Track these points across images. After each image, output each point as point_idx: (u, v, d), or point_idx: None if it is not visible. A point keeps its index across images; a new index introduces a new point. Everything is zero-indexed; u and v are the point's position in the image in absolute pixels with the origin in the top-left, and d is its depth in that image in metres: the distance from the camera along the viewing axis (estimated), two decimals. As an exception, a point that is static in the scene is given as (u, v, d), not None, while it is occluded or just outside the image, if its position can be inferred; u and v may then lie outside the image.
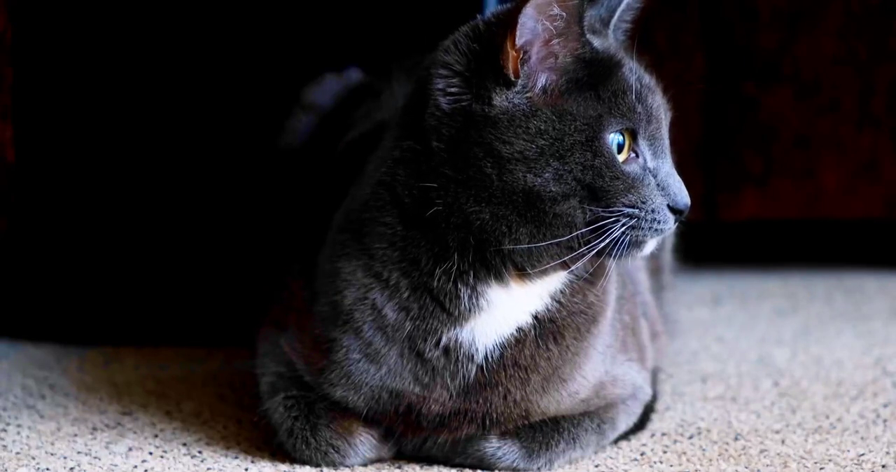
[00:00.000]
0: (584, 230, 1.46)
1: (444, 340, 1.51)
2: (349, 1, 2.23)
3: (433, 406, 1.54)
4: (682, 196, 1.49)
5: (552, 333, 1.54)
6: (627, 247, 1.47)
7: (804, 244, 2.96)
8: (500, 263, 1.49)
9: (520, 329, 1.53)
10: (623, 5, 1.55)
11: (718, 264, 2.77)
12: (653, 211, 1.47)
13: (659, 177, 1.49)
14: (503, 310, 1.52)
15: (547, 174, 1.44)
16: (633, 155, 1.48)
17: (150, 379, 2.02)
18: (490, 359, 1.52)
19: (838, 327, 2.36)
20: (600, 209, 1.45)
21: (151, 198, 2.25)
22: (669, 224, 1.49)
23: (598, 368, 1.61)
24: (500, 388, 1.53)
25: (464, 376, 1.52)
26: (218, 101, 2.23)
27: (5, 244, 2.25)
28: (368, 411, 1.56)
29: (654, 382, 1.80)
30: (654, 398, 1.78)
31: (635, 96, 1.47)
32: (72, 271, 2.27)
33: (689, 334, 2.27)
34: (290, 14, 2.22)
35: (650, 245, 1.51)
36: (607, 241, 1.45)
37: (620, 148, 1.47)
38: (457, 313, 1.51)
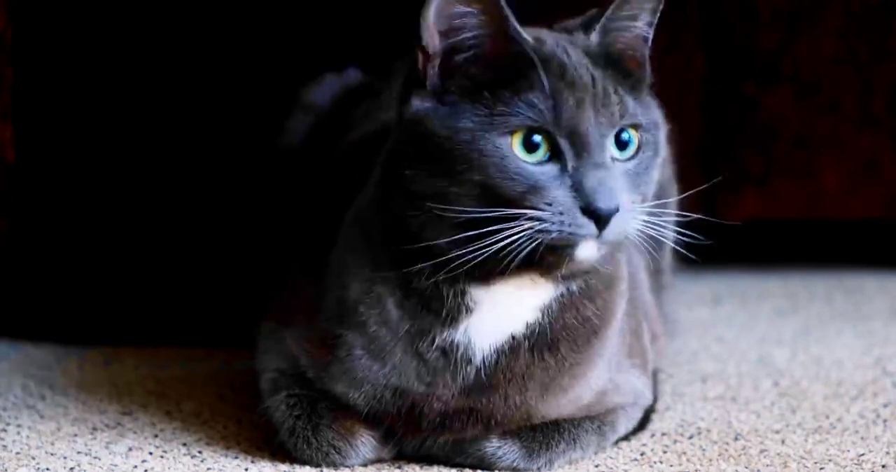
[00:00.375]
0: (495, 228, 1.41)
1: (437, 340, 1.51)
2: (349, 1, 2.23)
3: (435, 404, 1.53)
4: (597, 198, 1.41)
5: (545, 344, 1.53)
6: (550, 251, 1.43)
7: (804, 244, 2.96)
8: (456, 266, 1.45)
9: (514, 337, 1.52)
10: (613, 5, 1.50)
11: (718, 264, 2.77)
12: (561, 213, 1.41)
13: (575, 178, 1.43)
14: (493, 313, 1.51)
15: (447, 176, 1.43)
16: (553, 156, 1.43)
17: (150, 379, 2.01)
18: (487, 363, 1.52)
19: (838, 327, 2.36)
20: (504, 209, 1.41)
21: (151, 198, 2.25)
22: (586, 229, 1.42)
23: (603, 375, 1.61)
24: (501, 391, 1.53)
25: (464, 378, 1.52)
26: (218, 100, 2.23)
27: (5, 244, 2.25)
28: (370, 409, 1.56)
29: (655, 382, 1.80)
30: (655, 399, 1.78)
31: (550, 94, 1.42)
32: (71, 271, 2.27)
33: (689, 334, 2.27)
34: (290, 14, 2.22)
35: (584, 250, 1.44)
36: (515, 242, 1.41)
37: (534, 148, 1.43)
38: (444, 313, 1.50)
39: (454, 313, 1.50)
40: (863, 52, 2.66)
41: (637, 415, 1.71)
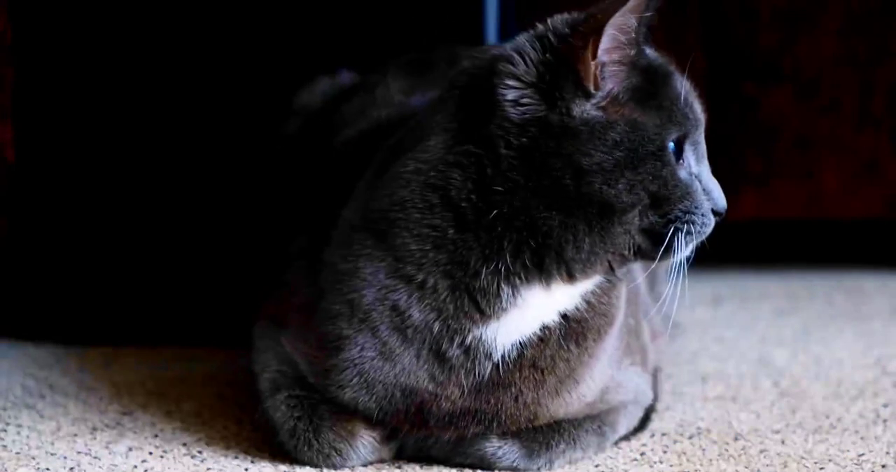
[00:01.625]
0: (638, 238, 1.48)
1: (469, 338, 1.51)
2: (345, 5, 2.23)
3: (444, 404, 1.53)
4: (723, 199, 1.52)
5: (577, 333, 1.54)
6: (676, 251, 1.50)
7: (804, 244, 2.96)
8: (556, 267, 1.49)
9: (545, 328, 1.53)
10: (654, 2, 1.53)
11: (718, 264, 2.77)
12: (703, 215, 1.50)
13: (703, 181, 1.51)
14: (535, 309, 1.52)
15: (620, 185, 1.45)
16: (681, 162, 1.49)
17: (150, 379, 2.02)
18: (507, 358, 1.52)
19: (838, 327, 2.36)
20: (657, 217, 1.48)
21: (151, 198, 2.25)
22: (710, 228, 1.51)
23: (606, 370, 1.61)
24: (513, 389, 1.53)
25: (478, 374, 1.52)
26: (216, 101, 2.23)
27: (5, 244, 2.25)
28: (378, 411, 1.55)
29: (655, 382, 1.80)
30: (655, 399, 1.78)
31: (685, 103, 1.50)
32: (72, 271, 2.27)
33: (689, 334, 2.27)
34: (288, 16, 2.22)
35: (689, 249, 1.52)
36: (671, 246, 1.48)
37: (676, 154, 1.49)
38: (490, 311, 1.50)
39: (500, 311, 1.51)
40: (863, 52, 2.66)
41: (637, 414, 1.71)
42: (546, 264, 1.49)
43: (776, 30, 2.67)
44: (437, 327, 1.51)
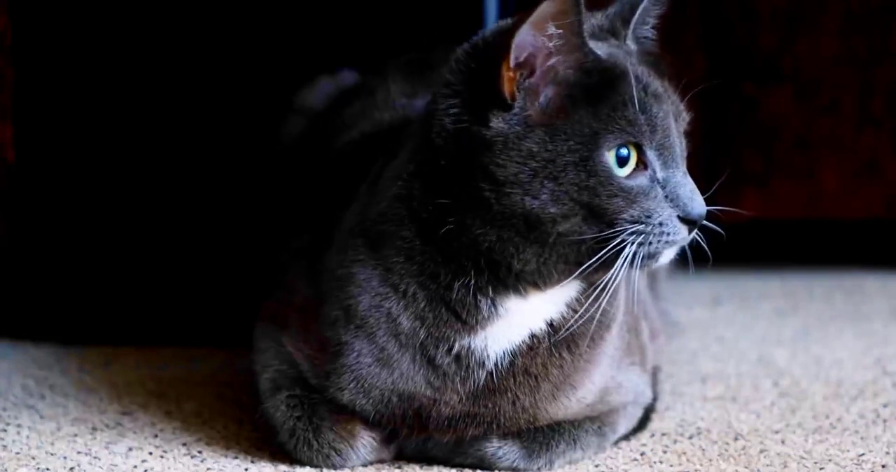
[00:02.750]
0: (588, 248, 1.43)
1: (456, 347, 1.51)
2: (345, 4, 2.23)
3: (443, 409, 1.53)
4: (693, 205, 1.45)
5: (567, 341, 1.53)
6: (641, 260, 1.44)
7: (804, 244, 2.96)
8: (514, 280, 1.47)
9: (533, 336, 1.52)
10: (645, 3, 1.52)
11: (718, 264, 2.77)
12: (660, 224, 1.43)
13: (668, 188, 1.45)
14: (519, 318, 1.51)
15: (544, 196, 1.41)
16: (640, 167, 1.44)
17: (150, 379, 2.01)
18: (500, 366, 1.52)
19: (838, 327, 2.36)
20: (604, 226, 1.42)
21: (151, 198, 2.25)
22: (682, 235, 1.45)
23: (606, 373, 1.61)
24: (510, 394, 1.53)
25: (474, 382, 1.52)
26: (217, 101, 2.23)
27: (5, 244, 2.25)
28: (376, 414, 1.55)
29: (654, 382, 1.80)
30: (655, 399, 1.78)
31: (638, 107, 1.43)
32: (72, 271, 2.27)
33: (690, 334, 2.27)
34: (287, 16, 2.22)
35: (667, 256, 1.47)
36: (616, 258, 1.42)
37: (625, 161, 1.43)
38: (473, 322, 1.50)
39: (483, 322, 1.50)
40: (863, 52, 2.66)
41: (637, 414, 1.71)
42: (503, 276, 1.47)
43: (776, 30, 2.67)
44: (423, 334, 1.51)
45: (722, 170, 2.67)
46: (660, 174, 1.45)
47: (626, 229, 1.42)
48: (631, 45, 1.52)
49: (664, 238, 1.44)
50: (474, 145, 1.44)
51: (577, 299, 1.53)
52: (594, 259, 1.43)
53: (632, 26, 1.52)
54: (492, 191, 1.42)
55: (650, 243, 1.43)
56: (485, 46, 1.45)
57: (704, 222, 1.49)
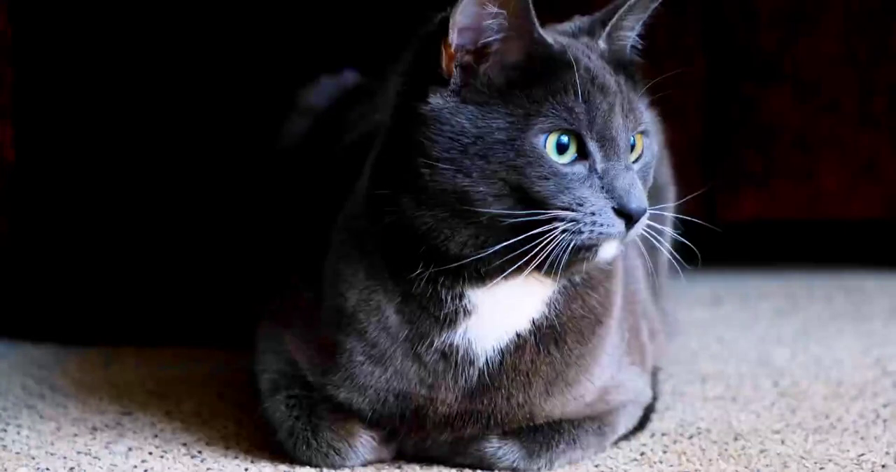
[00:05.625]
0: (524, 234, 1.42)
1: (436, 343, 1.51)
2: (346, 4, 2.23)
3: (440, 408, 1.54)
4: (629, 198, 1.44)
5: (552, 338, 1.54)
6: (575, 251, 1.43)
7: (804, 244, 2.96)
8: (462, 268, 1.47)
9: (519, 335, 1.53)
10: (624, 7, 1.53)
11: (718, 264, 2.77)
12: (592, 213, 1.43)
13: (606, 179, 1.45)
14: (494, 314, 1.51)
15: (475, 174, 1.43)
16: (581, 157, 1.44)
17: (150, 379, 2.01)
18: (491, 364, 1.52)
19: (838, 327, 2.36)
20: (536, 210, 1.42)
21: (151, 198, 2.25)
22: (617, 228, 1.44)
23: (606, 371, 1.61)
24: (503, 391, 1.53)
25: (466, 380, 1.52)
26: (218, 101, 2.23)
27: (5, 244, 2.25)
28: (373, 413, 1.56)
29: (654, 382, 1.80)
30: (655, 399, 1.78)
31: (580, 97, 1.44)
32: (72, 271, 2.27)
33: (689, 334, 2.27)
34: (288, 16, 2.22)
35: (607, 250, 1.46)
36: (546, 244, 1.42)
37: (564, 148, 1.44)
38: (442, 316, 1.50)
39: (452, 316, 1.50)
40: (863, 53, 2.66)
41: (637, 413, 1.71)
42: (451, 263, 1.47)
43: (776, 30, 2.67)
44: (406, 329, 1.52)
45: (722, 170, 2.68)
46: (599, 165, 1.45)
47: (557, 215, 1.42)
48: (601, 44, 1.53)
49: (597, 228, 1.43)
50: (412, 121, 1.47)
51: (555, 299, 1.53)
52: (529, 246, 1.42)
53: (608, 28, 1.53)
54: (426, 167, 1.44)
55: (581, 232, 1.43)
56: (434, 26, 1.48)
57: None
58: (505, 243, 1.43)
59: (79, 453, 1.67)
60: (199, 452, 1.67)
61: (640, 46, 1.56)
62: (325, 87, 2.08)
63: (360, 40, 2.21)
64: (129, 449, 1.68)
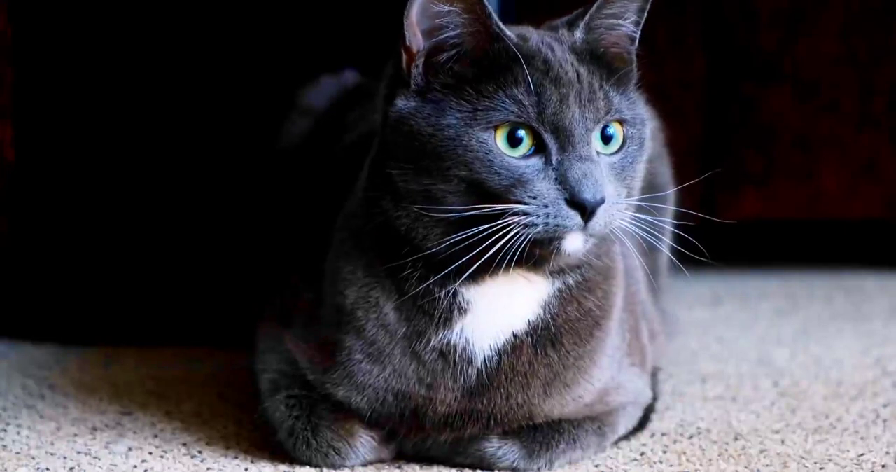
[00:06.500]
0: (482, 227, 1.42)
1: (434, 341, 1.52)
2: (347, 4, 2.23)
3: (439, 408, 1.54)
4: (581, 188, 1.43)
5: (549, 340, 1.54)
6: (536, 245, 1.44)
7: (804, 244, 2.96)
8: (444, 266, 1.47)
9: (516, 336, 1.53)
10: (599, 2, 1.51)
11: (718, 264, 2.77)
12: (546, 206, 1.43)
13: (559, 171, 1.44)
14: (489, 313, 1.51)
15: (435, 173, 1.44)
16: (538, 151, 1.44)
17: (150, 379, 2.01)
18: (489, 364, 1.52)
19: (838, 327, 2.36)
20: (489, 205, 1.43)
21: (151, 198, 2.25)
22: (573, 220, 1.43)
23: (605, 373, 1.61)
24: (502, 390, 1.53)
25: (465, 379, 1.53)
26: (218, 101, 2.23)
27: (5, 244, 2.25)
28: (372, 413, 1.56)
29: (654, 382, 1.80)
30: (655, 399, 1.78)
31: (534, 90, 1.44)
32: (72, 271, 2.27)
33: (689, 334, 2.27)
34: (288, 16, 2.22)
35: (570, 243, 1.45)
36: (502, 238, 1.42)
37: (518, 142, 1.44)
38: (437, 314, 1.51)
39: (447, 314, 1.51)
40: (863, 52, 2.67)
41: (637, 414, 1.71)
42: (433, 261, 1.47)
43: (776, 30, 2.67)
44: (404, 326, 1.52)
45: (722, 170, 2.68)
46: (555, 157, 1.45)
47: (509, 209, 1.42)
48: (577, 34, 1.51)
49: (551, 221, 1.43)
50: (384, 125, 1.50)
51: (550, 302, 1.53)
52: (490, 241, 1.42)
53: (586, 17, 1.52)
54: (395, 168, 1.47)
55: (535, 225, 1.43)
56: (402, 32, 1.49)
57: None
58: (463, 236, 1.43)
59: (79, 453, 1.67)
60: (199, 452, 1.67)
61: (635, 36, 1.54)
62: (325, 87, 2.08)
63: (360, 40, 2.21)
64: (129, 449, 1.68)
